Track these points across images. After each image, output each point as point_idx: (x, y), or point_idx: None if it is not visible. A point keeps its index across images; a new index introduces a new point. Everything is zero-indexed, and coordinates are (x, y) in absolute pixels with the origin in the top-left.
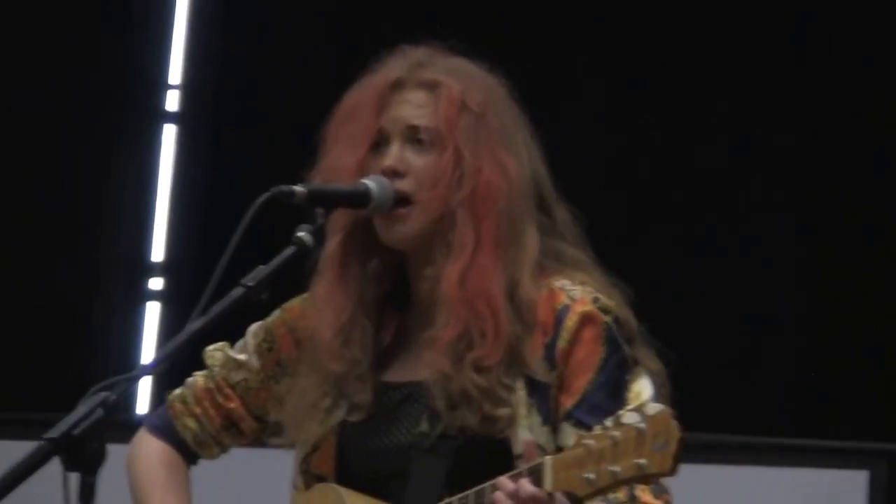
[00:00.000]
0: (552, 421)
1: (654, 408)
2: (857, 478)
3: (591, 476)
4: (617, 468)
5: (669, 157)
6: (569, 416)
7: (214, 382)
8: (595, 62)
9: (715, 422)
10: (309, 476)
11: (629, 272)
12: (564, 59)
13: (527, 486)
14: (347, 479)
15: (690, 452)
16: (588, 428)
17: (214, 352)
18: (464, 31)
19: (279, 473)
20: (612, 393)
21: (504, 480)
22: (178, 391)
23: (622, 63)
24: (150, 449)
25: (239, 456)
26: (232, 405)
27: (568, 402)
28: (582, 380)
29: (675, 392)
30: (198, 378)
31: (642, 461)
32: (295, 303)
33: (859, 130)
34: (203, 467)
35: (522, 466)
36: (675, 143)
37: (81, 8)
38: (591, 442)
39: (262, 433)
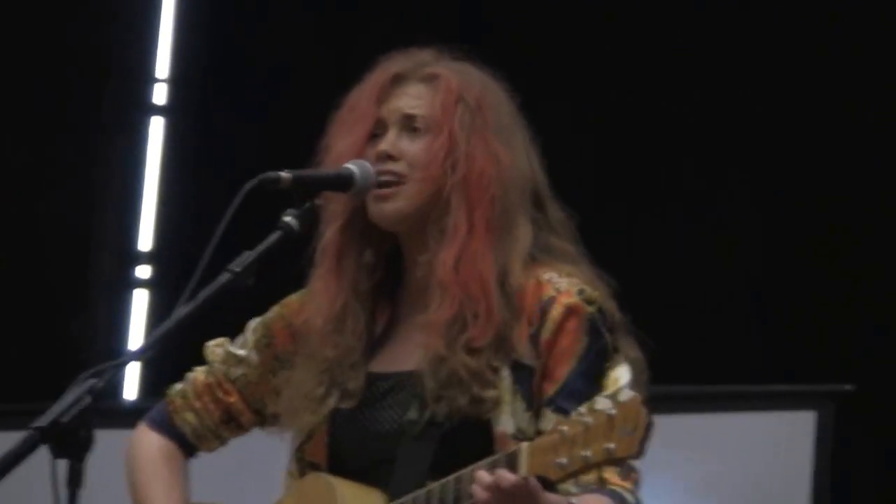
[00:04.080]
0: (535, 406)
1: (626, 394)
2: (805, 419)
3: (564, 461)
4: (588, 453)
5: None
6: (550, 402)
7: (214, 378)
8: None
9: (663, 372)
10: (303, 464)
11: (588, 227)
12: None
13: (505, 476)
14: (339, 467)
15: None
16: (567, 414)
17: (215, 347)
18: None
19: (272, 460)
20: (591, 380)
21: (482, 473)
22: (177, 386)
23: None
24: (149, 444)
25: (232, 443)
26: (231, 400)
27: (550, 389)
28: (564, 368)
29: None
30: (198, 373)
31: (611, 445)
32: (293, 298)
33: (810, 99)
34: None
35: (499, 454)
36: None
37: (69, 1)
38: (564, 428)
39: (261, 425)
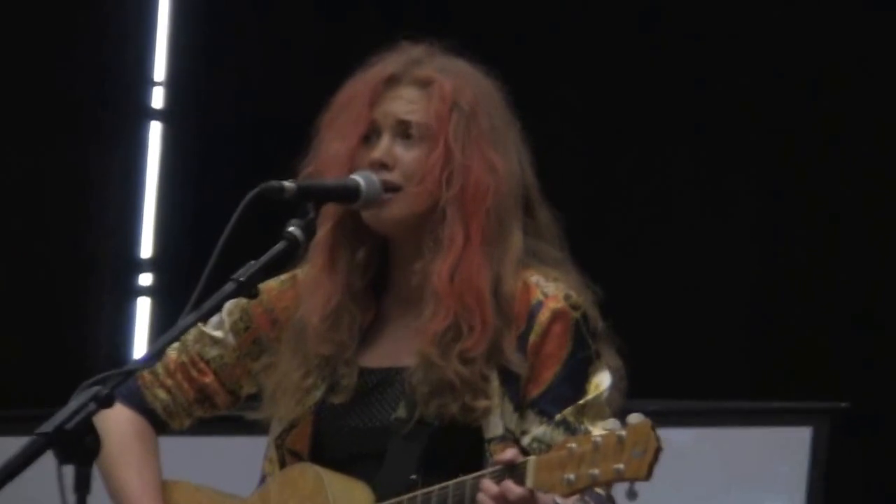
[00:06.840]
0: (520, 407)
1: (636, 417)
2: (801, 435)
3: (571, 477)
4: (596, 471)
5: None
6: (533, 405)
7: (188, 356)
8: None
9: (661, 387)
10: (283, 451)
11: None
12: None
13: (513, 488)
14: (321, 456)
15: None
16: (549, 416)
17: None
18: (448, 28)
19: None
20: (574, 385)
21: (488, 483)
22: None
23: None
24: (119, 418)
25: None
26: (207, 380)
27: (534, 391)
28: (549, 372)
29: (623, 358)
30: (169, 351)
31: (620, 466)
32: (272, 283)
33: (813, 111)
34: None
35: (504, 465)
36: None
37: (65, 5)
38: (573, 445)
39: (234, 406)
